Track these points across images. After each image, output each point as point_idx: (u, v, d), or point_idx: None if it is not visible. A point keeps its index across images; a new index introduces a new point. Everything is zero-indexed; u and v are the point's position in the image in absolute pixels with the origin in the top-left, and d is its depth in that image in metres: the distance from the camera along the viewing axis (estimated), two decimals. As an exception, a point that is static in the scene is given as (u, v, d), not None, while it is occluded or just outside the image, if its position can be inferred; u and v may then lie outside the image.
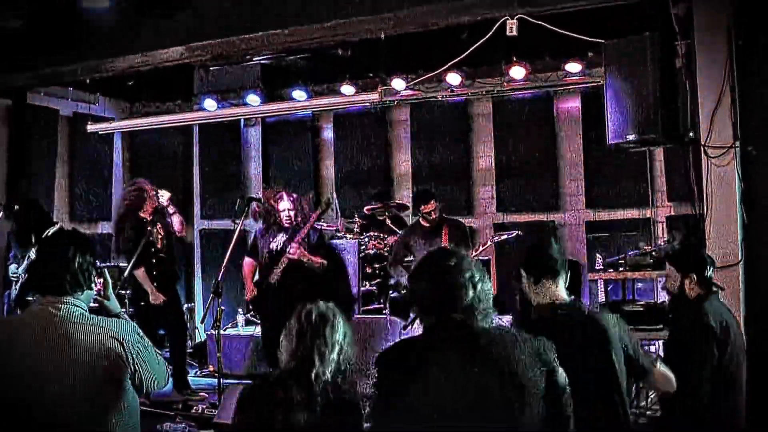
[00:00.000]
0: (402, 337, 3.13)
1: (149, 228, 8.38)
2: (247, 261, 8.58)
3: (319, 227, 8.61)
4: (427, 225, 8.27)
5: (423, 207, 8.24)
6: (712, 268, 5.17)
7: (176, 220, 8.69)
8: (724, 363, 4.88)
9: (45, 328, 3.42)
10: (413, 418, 2.93)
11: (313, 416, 3.37)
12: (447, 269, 3.06)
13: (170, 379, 3.72)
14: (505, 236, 8.35)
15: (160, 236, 8.53)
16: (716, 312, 5.01)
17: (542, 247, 4.10)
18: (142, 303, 8.41)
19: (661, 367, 4.04)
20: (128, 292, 8.48)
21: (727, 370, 4.91)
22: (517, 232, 7.78)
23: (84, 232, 9.50)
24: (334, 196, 8.32)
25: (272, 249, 8.31)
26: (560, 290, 3.98)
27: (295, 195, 8.46)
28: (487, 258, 9.18)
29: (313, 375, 3.44)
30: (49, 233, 7.58)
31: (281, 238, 8.30)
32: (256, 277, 8.65)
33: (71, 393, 3.36)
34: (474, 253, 7.88)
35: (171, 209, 8.67)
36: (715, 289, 5.20)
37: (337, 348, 3.55)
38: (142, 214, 8.42)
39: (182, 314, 9.45)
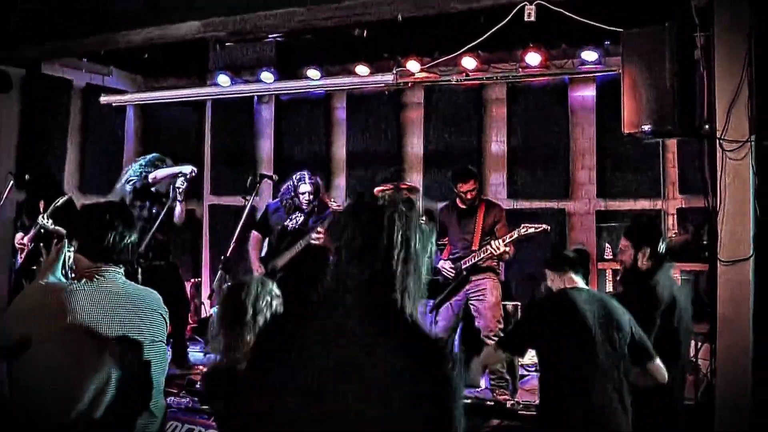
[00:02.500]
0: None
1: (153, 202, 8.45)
2: (255, 235, 8.46)
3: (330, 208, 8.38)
4: (464, 206, 8.03)
5: (461, 185, 7.93)
6: (664, 243, 5.47)
7: (178, 208, 8.40)
8: (671, 331, 5.14)
9: (92, 293, 3.50)
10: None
11: None
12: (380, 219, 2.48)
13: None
14: (532, 230, 7.63)
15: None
16: (666, 284, 5.30)
17: (560, 246, 5.01)
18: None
19: (658, 360, 4.61)
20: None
21: (675, 338, 5.18)
22: (544, 226, 7.55)
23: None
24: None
25: (287, 227, 8.25)
26: (578, 280, 4.80)
27: (316, 178, 8.35)
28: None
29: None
30: (58, 204, 7.58)
31: (298, 216, 8.25)
32: (262, 253, 8.58)
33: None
34: (501, 243, 7.55)
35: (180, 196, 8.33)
36: (667, 262, 5.47)
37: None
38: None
39: (184, 290, 9.42)
